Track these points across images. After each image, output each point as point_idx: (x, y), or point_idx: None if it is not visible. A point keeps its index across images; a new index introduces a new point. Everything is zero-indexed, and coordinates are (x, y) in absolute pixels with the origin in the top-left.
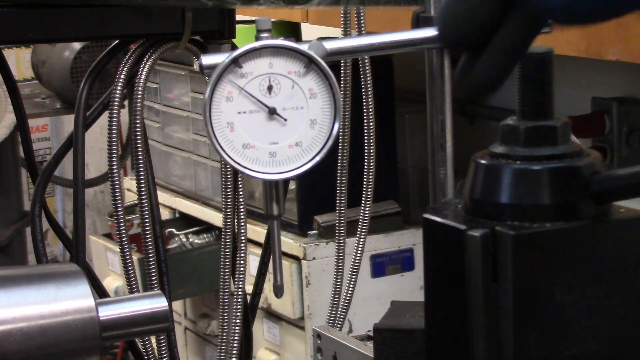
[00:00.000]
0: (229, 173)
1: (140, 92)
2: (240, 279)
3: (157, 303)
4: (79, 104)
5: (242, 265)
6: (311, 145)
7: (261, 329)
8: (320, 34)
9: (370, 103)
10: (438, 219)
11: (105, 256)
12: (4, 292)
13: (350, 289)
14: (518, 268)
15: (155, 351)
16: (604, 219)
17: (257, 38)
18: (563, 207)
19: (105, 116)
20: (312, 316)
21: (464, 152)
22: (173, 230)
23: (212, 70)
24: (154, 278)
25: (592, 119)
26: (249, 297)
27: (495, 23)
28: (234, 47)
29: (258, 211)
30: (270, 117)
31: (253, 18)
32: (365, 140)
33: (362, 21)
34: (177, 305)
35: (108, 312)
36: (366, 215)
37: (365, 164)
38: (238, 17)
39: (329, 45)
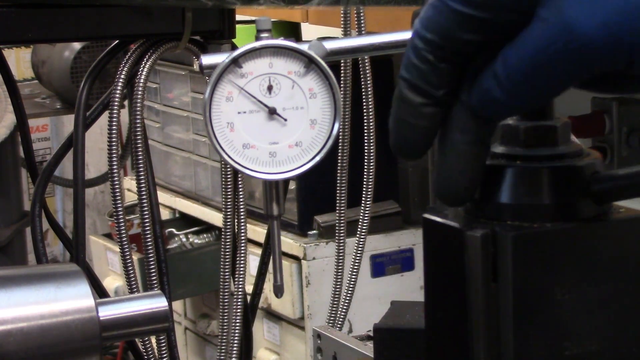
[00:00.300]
0: (229, 173)
1: (140, 92)
2: (240, 279)
3: (157, 303)
4: (79, 104)
5: (242, 265)
6: (311, 145)
7: (261, 329)
8: (320, 34)
9: (370, 103)
10: (438, 219)
11: (105, 256)
12: (4, 292)
13: (350, 289)
14: (518, 268)
15: (155, 351)
16: (604, 219)
17: (257, 38)
18: (563, 207)
19: (105, 116)
20: (312, 316)
21: None
22: (173, 230)
23: (212, 70)
24: (154, 278)
25: (592, 119)
26: (249, 297)
27: (437, 128)
28: (234, 47)
29: (258, 211)
30: (270, 117)
31: (253, 18)
32: (365, 140)
33: (362, 21)
34: (177, 305)
35: (108, 312)
36: (366, 215)
37: (365, 164)
38: (238, 17)
39: (329, 45)
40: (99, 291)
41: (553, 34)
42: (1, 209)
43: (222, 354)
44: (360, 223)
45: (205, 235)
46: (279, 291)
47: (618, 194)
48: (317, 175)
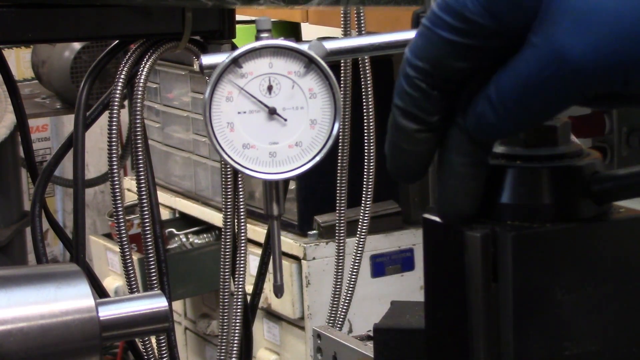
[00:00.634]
0: (229, 173)
1: (140, 92)
2: (240, 279)
3: (157, 303)
4: (79, 104)
5: (242, 265)
6: (311, 145)
7: (261, 329)
8: (320, 34)
9: (370, 103)
10: (438, 219)
11: (105, 256)
12: (4, 292)
13: (350, 289)
14: (518, 268)
15: (155, 351)
16: (604, 219)
17: (257, 38)
18: (563, 207)
19: (105, 116)
20: (312, 316)
21: None
22: (173, 230)
23: (212, 70)
24: (154, 278)
25: (592, 119)
26: (249, 297)
27: (433, 152)
28: (234, 47)
29: (258, 211)
30: (270, 117)
31: (253, 18)
32: (365, 140)
33: (362, 21)
34: (177, 305)
35: (108, 312)
36: (366, 215)
37: (365, 164)
38: (238, 17)
39: (329, 45)
40: (99, 291)
41: (545, 59)
42: (1, 209)
43: (222, 354)
44: (360, 223)
45: (205, 235)
46: (279, 291)
47: (618, 194)
48: (317, 175)
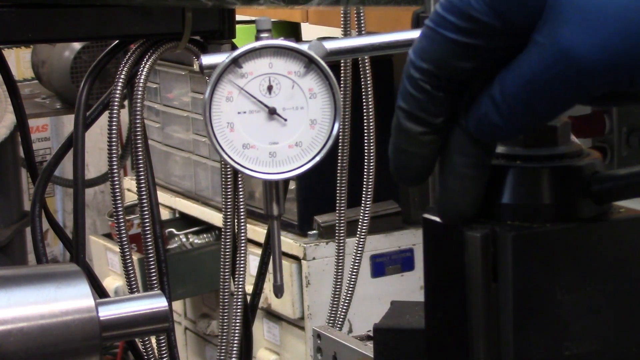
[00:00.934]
0: (229, 173)
1: (140, 92)
2: (240, 279)
3: (157, 303)
4: (79, 104)
5: (242, 265)
6: (311, 145)
7: (261, 329)
8: (320, 34)
9: (370, 103)
10: (438, 219)
11: (105, 256)
12: (4, 292)
13: (350, 289)
14: (518, 268)
15: (155, 351)
16: (604, 219)
17: (257, 38)
18: (563, 207)
19: (105, 116)
20: (312, 316)
21: None
22: (173, 230)
23: (212, 70)
24: (154, 278)
25: (592, 119)
26: (249, 297)
27: (437, 154)
28: (234, 47)
29: (258, 211)
30: (270, 117)
31: (253, 18)
32: (365, 140)
33: (362, 21)
34: (177, 305)
35: (108, 312)
36: (366, 215)
37: (365, 164)
38: (238, 17)
39: (329, 45)
40: (99, 291)
41: (550, 59)
42: (1, 209)
43: (222, 354)
44: (360, 223)
45: (205, 235)
46: (279, 291)
47: (618, 194)
48: (317, 175)
